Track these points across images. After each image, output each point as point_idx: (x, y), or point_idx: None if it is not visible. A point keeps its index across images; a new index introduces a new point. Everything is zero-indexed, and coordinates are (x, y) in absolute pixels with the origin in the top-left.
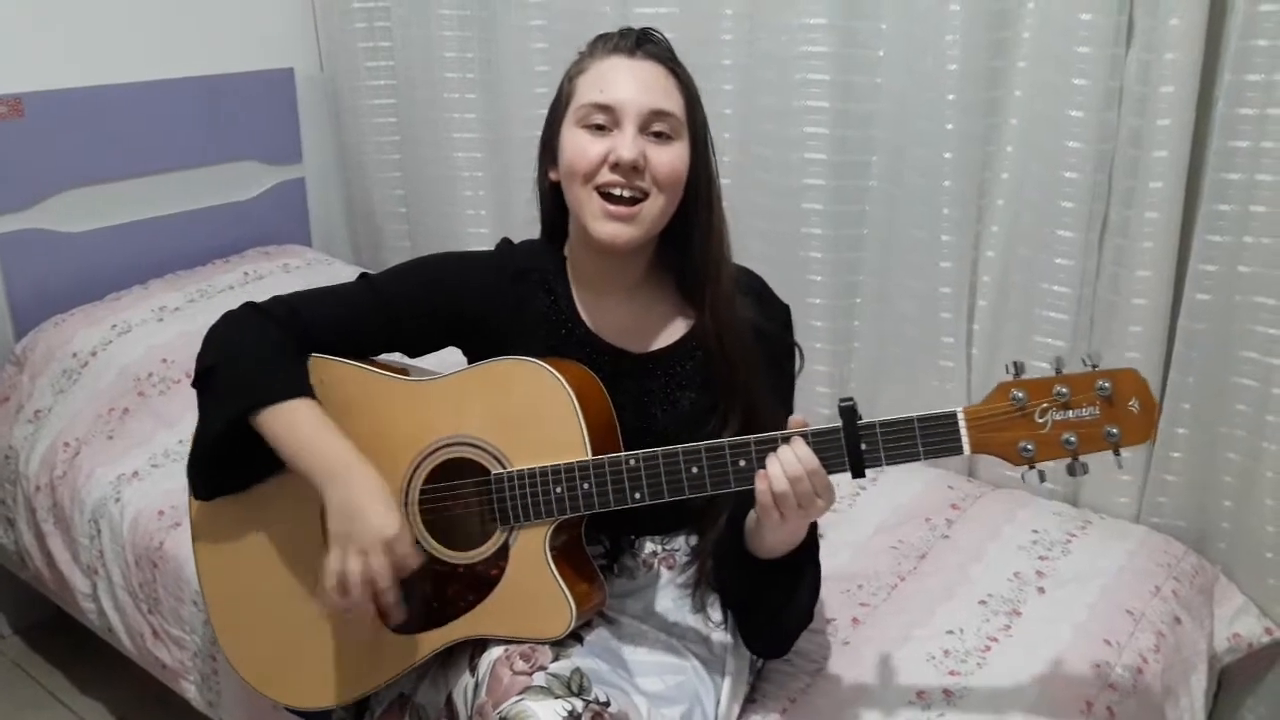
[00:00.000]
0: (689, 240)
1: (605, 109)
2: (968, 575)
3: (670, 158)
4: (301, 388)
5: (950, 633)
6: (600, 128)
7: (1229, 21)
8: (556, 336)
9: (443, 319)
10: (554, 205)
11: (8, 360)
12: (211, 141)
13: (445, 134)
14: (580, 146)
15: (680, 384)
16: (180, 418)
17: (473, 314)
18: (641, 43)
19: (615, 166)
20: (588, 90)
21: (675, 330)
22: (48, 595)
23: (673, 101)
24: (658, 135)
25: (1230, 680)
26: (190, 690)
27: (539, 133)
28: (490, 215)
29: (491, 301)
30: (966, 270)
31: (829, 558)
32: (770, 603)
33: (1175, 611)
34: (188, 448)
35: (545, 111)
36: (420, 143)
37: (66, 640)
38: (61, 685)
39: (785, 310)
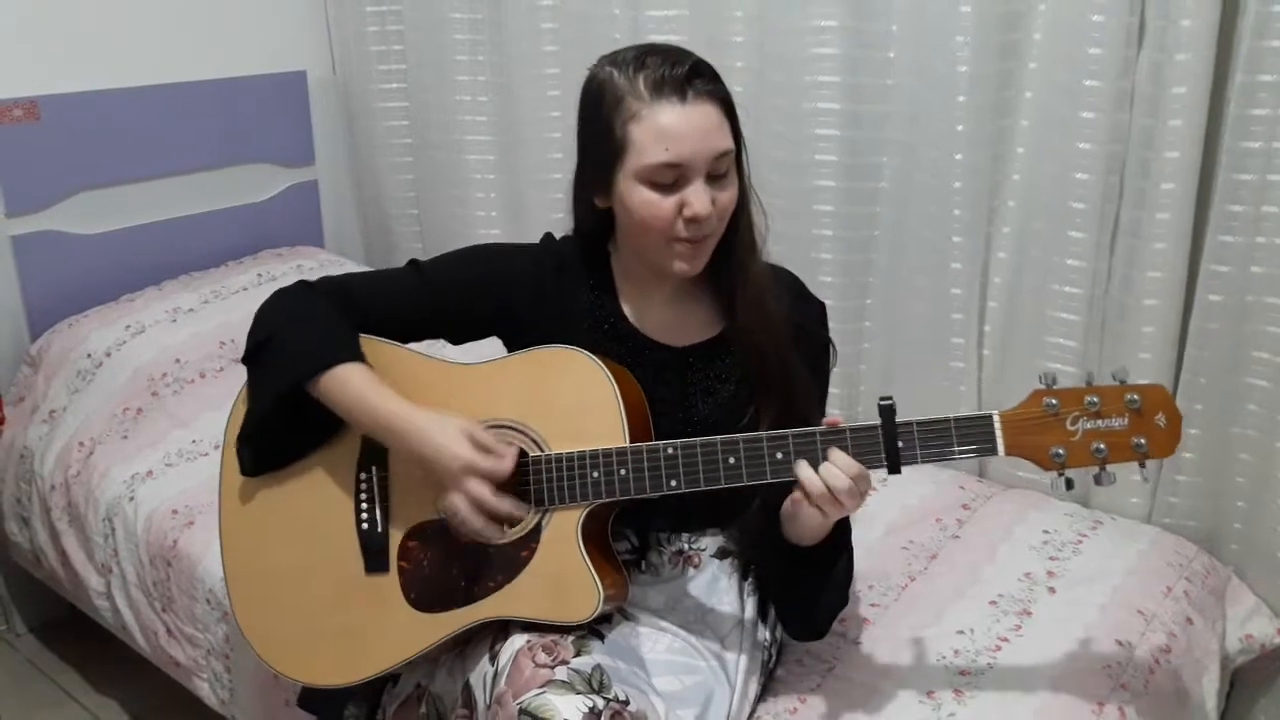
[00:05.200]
0: (725, 240)
1: (672, 167)
2: (979, 575)
3: (729, 195)
4: (355, 353)
5: (961, 633)
6: (667, 184)
7: (1241, 22)
8: (599, 331)
9: (487, 307)
10: (595, 224)
11: (23, 361)
12: (225, 144)
13: (457, 136)
14: (649, 204)
15: (721, 377)
16: (194, 418)
17: (516, 304)
18: (691, 79)
19: (690, 221)
20: (650, 148)
21: (715, 325)
22: (62, 594)
23: (726, 136)
24: (717, 177)
25: (1242, 681)
26: (204, 688)
27: (550, 134)
28: (501, 217)
29: (535, 293)
30: (977, 271)
31: None
32: (807, 586)
33: (1187, 612)
34: (202, 446)
35: (556, 114)
36: (432, 145)
37: (80, 638)
38: (75, 683)
39: (820, 308)
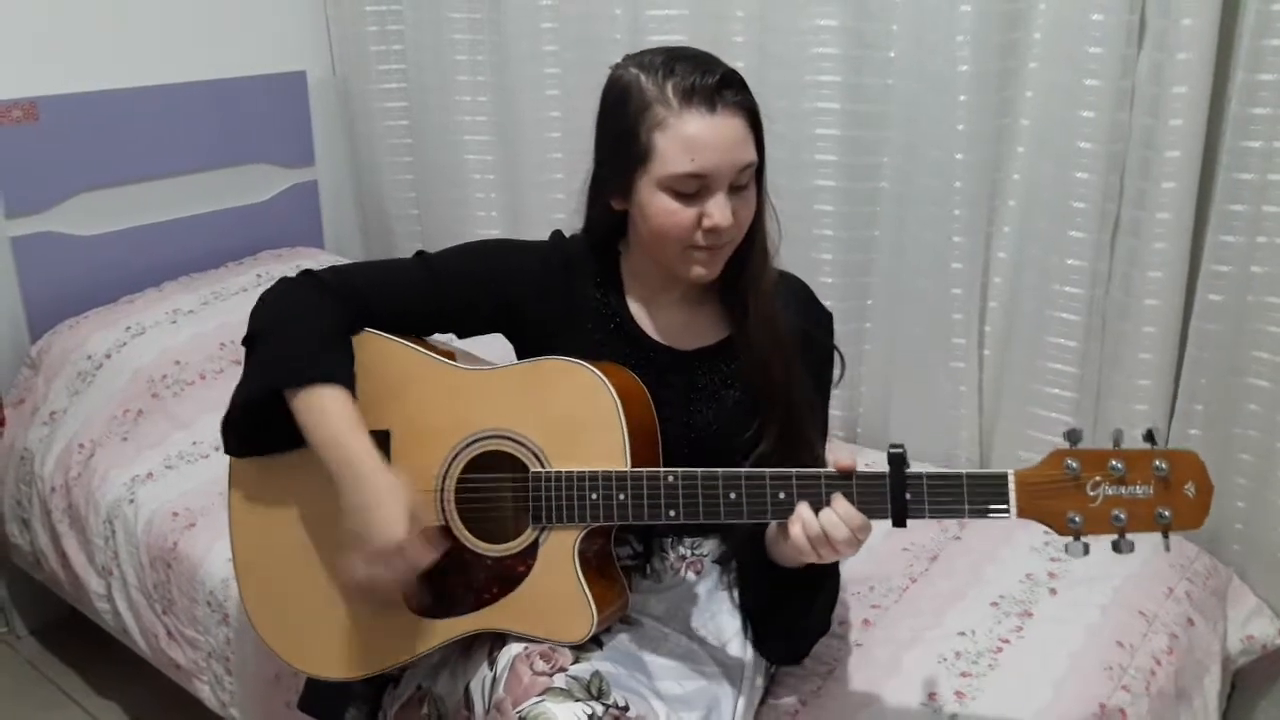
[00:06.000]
0: (739, 250)
1: (697, 177)
2: (980, 576)
3: (749, 206)
4: (339, 375)
5: (962, 634)
6: (689, 194)
7: (1241, 21)
8: (604, 330)
9: (492, 303)
10: (607, 224)
11: (23, 363)
12: (224, 144)
13: (457, 136)
14: (670, 213)
15: (726, 382)
16: (194, 419)
17: (522, 301)
18: (721, 90)
19: (709, 232)
20: (675, 157)
21: (721, 329)
22: (63, 596)
23: (751, 149)
24: (738, 188)
25: (1244, 682)
26: (204, 690)
27: (550, 134)
28: (501, 217)
29: (542, 290)
30: (978, 271)
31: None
32: (788, 609)
33: (1188, 613)
34: (203, 449)
35: (556, 114)
36: (432, 144)
37: (81, 641)
38: (76, 686)
39: (828, 317)
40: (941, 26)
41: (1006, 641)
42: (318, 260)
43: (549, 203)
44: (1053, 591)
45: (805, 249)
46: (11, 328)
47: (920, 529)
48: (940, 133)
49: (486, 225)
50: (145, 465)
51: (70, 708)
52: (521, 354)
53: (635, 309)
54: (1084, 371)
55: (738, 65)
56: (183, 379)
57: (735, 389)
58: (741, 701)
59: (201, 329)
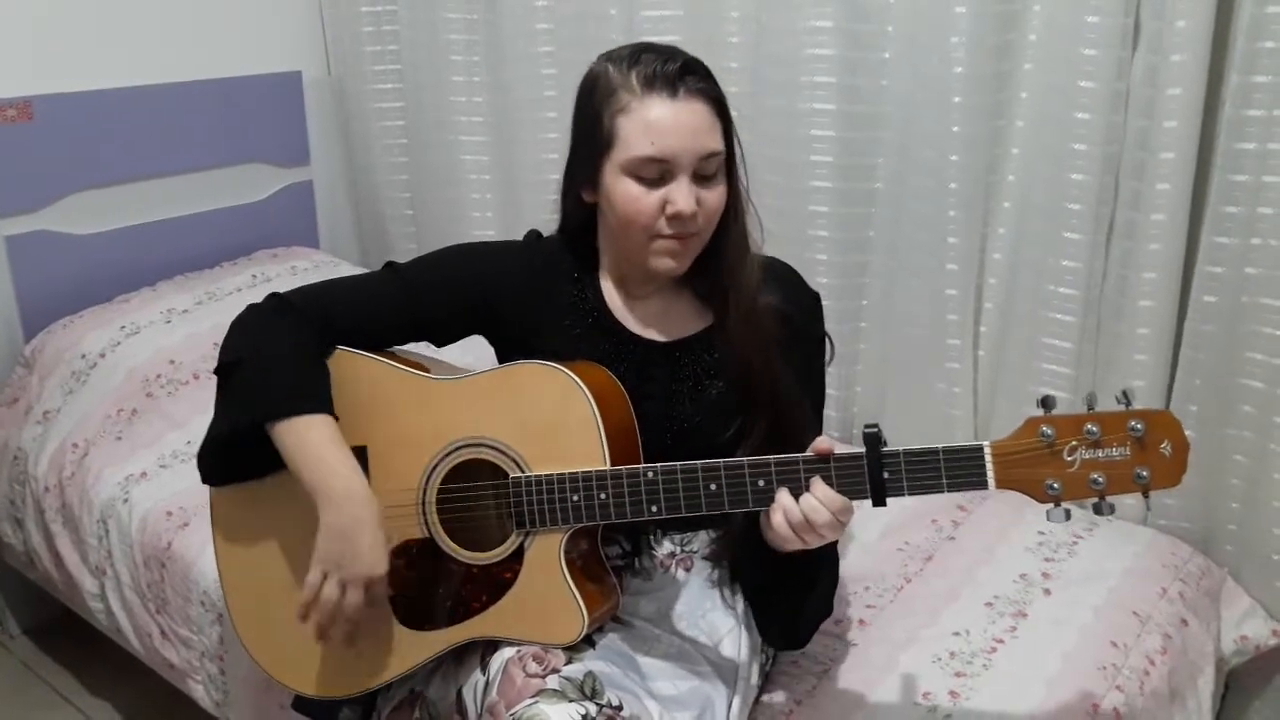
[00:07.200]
0: (714, 245)
1: (658, 161)
2: (974, 577)
3: (717, 197)
4: (317, 402)
5: (957, 634)
6: (652, 179)
7: (1236, 23)
8: (583, 325)
9: (469, 308)
10: (581, 220)
11: (17, 362)
12: (220, 144)
13: (452, 136)
14: (632, 199)
15: (708, 373)
16: (188, 419)
17: (499, 303)
18: (683, 76)
19: (673, 219)
20: (637, 141)
21: (702, 320)
22: (56, 595)
23: (716, 138)
24: (705, 178)
25: (1237, 682)
26: (198, 690)
27: (546, 135)
28: (497, 216)
29: (519, 290)
30: (973, 272)
31: None
32: (788, 594)
33: (1182, 613)
34: (196, 448)
35: (552, 114)
36: (427, 145)
37: (75, 640)
38: (70, 685)
39: (815, 299)
40: (937, 28)
41: (1001, 641)
42: (312, 260)
43: (544, 202)
44: (1047, 592)
45: (800, 249)
46: (5, 326)
47: (914, 529)
48: (935, 134)
49: (482, 225)
50: (139, 464)
51: (64, 708)
52: (502, 355)
53: (613, 302)
54: (1079, 373)
55: (732, 66)
56: (177, 378)
57: (719, 380)
58: (737, 701)
59: (196, 328)
